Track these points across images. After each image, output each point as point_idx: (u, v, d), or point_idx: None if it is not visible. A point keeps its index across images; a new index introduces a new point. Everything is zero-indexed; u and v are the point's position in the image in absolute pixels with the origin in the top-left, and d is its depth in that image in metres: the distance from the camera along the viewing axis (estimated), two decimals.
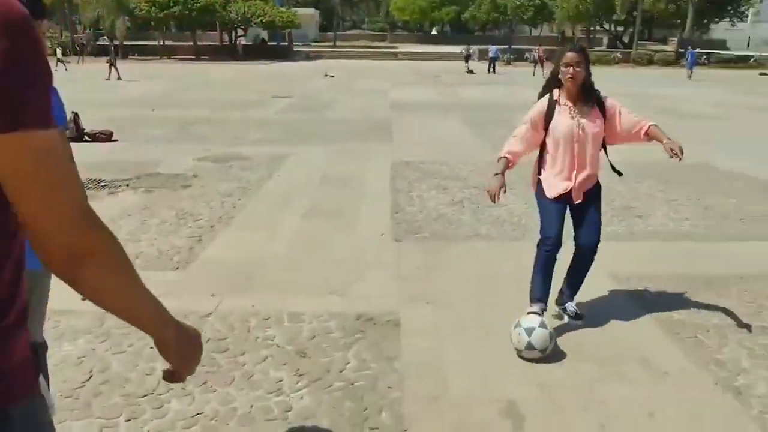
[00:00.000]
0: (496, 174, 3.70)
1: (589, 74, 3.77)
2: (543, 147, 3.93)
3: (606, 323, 4.10)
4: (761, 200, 7.42)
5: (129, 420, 3.01)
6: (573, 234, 3.97)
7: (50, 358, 3.55)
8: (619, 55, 45.75)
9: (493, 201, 3.65)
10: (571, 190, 3.85)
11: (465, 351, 3.73)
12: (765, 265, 5.29)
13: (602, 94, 3.93)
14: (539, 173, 3.98)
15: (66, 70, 30.21)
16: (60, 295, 4.33)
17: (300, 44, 55.07)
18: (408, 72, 33.40)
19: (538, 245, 3.95)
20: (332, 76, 28.54)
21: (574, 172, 3.84)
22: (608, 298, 4.52)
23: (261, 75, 30.18)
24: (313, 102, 17.99)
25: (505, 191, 3.69)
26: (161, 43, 46.36)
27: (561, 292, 4.13)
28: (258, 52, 45.43)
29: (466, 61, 35.94)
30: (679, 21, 49.76)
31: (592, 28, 54.87)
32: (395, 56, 49.18)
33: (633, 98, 20.43)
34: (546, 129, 3.84)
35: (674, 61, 44.11)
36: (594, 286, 4.66)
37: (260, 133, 12.07)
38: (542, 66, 30.68)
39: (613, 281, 4.83)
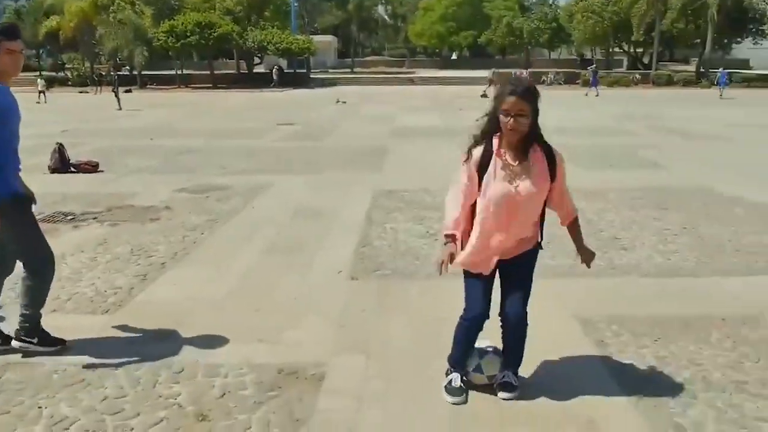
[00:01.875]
0: (447, 243, 3.18)
1: (535, 120, 3.08)
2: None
3: (559, 379, 3.62)
4: (760, 229, 6.87)
5: None
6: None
7: None
8: (638, 76, 45.05)
9: (440, 273, 3.11)
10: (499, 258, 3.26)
11: (388, 414, 3.29)
12: (753, 305, 4.75)
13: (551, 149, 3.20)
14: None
15: (45, 102, 29.66)
16: None
17: (318, 71, 55.32)
18: (422, 97, 33.13)
19: (461, 316, 3.40)
20: (344, 103, 28.35)
21: (504, 237, 3.21)
22: (564, 346, 4.03)
23: (274, 102, 30.13)
24: (316, 129, 17.72)
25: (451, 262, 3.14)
26: (179, 72, 46.84)
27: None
28: (286, 80, 45.47)
29: (490, 85, 35.84)
30: (699, 41, 48.94)
31: (610, 50, 54.29)
32: (412, 81, 49.05)
33: (642, 119, 19.95)
34: (480, 185, 3.17)
35: (695, 81, 43.30)
36: (551, 330, 4.20)
37: (249, 162, 11.78)
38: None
39: (576, 324, 4.36)
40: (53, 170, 10.73)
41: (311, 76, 49.77)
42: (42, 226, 4.07)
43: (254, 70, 49.89)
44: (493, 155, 3.14)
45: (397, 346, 4.05)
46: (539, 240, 3.37)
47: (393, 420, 3.23)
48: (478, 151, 3.18)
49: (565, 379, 3.61)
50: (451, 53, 76.13)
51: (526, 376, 3.59)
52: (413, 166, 11.26)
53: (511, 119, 3.01)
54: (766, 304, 4.77)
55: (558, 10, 54.30)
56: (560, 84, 38.16)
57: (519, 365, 3.51)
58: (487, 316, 3.34)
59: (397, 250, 6.16)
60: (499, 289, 3.38)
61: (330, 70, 59.71)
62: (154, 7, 46.93)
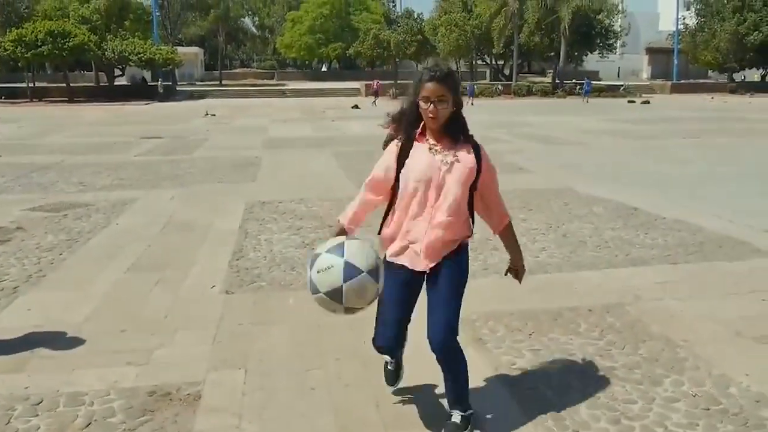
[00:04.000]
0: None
1: (457, 107, 2.85)
2: (392, 200, 2.99)
3: (433, 374, 3.63)
4: (618, 225, 7.35)
5: None
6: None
7: None
8: (500, 87, 47.26)
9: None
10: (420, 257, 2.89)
11: (269, 429, 3.16)
12: (616, 295, 5.05)
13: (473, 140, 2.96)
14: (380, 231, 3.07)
15: None
16: None
17: (185, 83, 53.57)
18: (294, 108, 32.91)
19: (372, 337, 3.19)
20: (213, 115, 27.58)
21: (427, 228, 2.85)
22: None
23: (138, 116, 28.75)
24: (184, 142, 17.10)
25: None
26: (31, 85, 43.65)
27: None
28: (150, 93, 43.59)
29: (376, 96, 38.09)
30: (553, 54, 52.20)
31: (474, 62, 56.60)
32: (283, 93, 48.66)
33: (507, 127, 20.95)
34: (398, 174, 2.90)
35: (551, 91, 46.06)
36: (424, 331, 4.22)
37: (112, 177, 11.11)
38: (376, 97, 37.21)
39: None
40: None
41: (177, 88, 48.11)
42: None
43: (115, 83, 47.47)
44: (414, 143, 2.89)
45: (276, 358, 3.92)
46: (466, 247, 3.03)
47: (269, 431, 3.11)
48: (397, 141, 2.93)
49: (439, 378, 3.63)
50: (321, 65, 76.35)
51: (407, 380, 3.56)
52: (287, 177, 11.12)
53: (432, 105, 2.76)
54: (627, 293, 5.09)
55: (423, 23, 55.85)
56: None
57: (463, 402, 3.04)
58: (401, 345, 3.18)
59: (273, 261, 6.01)
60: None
61: (197, 83, 58.02)
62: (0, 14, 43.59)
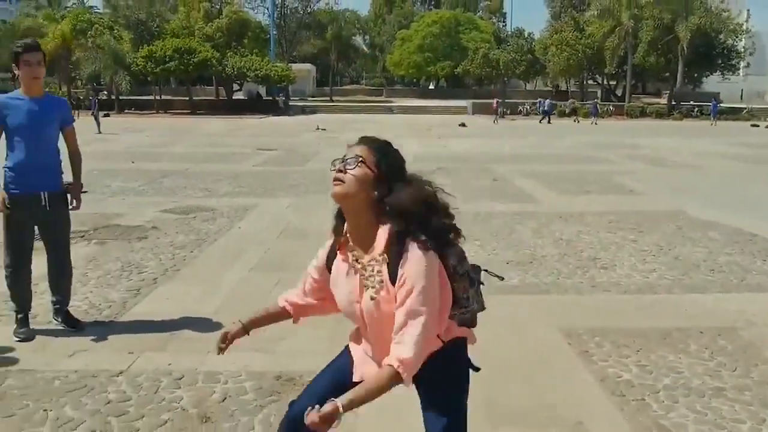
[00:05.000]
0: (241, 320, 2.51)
1: (389, 187, 2.02)
2: None
3: (545, 385, 3.79)
4: (734, 250, 7.15)
5: None
6: None
7: None
8: (611, 107, 46.08)
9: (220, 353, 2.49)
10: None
11: (381, 415, 3.42)
12: (729, 319, 4.99)
13: (411, 240, 1.97)
14: None
15: None
16: None
17: (297, 99, 55.66)
18: (400, 125, 33.52)
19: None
20: (324, 130, 28.58)
21: (374, 348, 2.21)
22: (553, 357, 4.22)
23: (253, 129, 30.25)
24: (296, 154, 17.90)
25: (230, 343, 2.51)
26: (158, 98, 46.81)
27: None
28: (264, 107, 45.81)
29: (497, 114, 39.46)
30: (669, 74, 50.31)
31: (584, 82, 55.50)
32: (390, 110, 49.58)
33: (618, 148, 20.48)
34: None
35: (667, 113, 44.42)
36: (538, 342, 4.39)
37: (232, 185, 11.88)
38: (497, 116, 38.97)
39: (562, 336, 4.53)
40: None
41: (290, 104, 50.09)
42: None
43: (233, 97, 50.06)
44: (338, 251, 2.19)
45: None
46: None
47: (381, 422, 3.36)
48: (330, 242, 2.28)
49: (552, 385, 3.78)
50: (428, 83, 77.12)
51: (514, 382, 3.74)
52: None
53: (338, 166, 2.05)
54: (741, 318, 5.00)
55: (533, 43, 55.42)
56: (545, 113, 39.10)
57: None
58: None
59: None
60: None
61: (309, 98, 60.13)
62: (133, 32, 47.08)
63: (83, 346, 4.32)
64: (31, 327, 4.52)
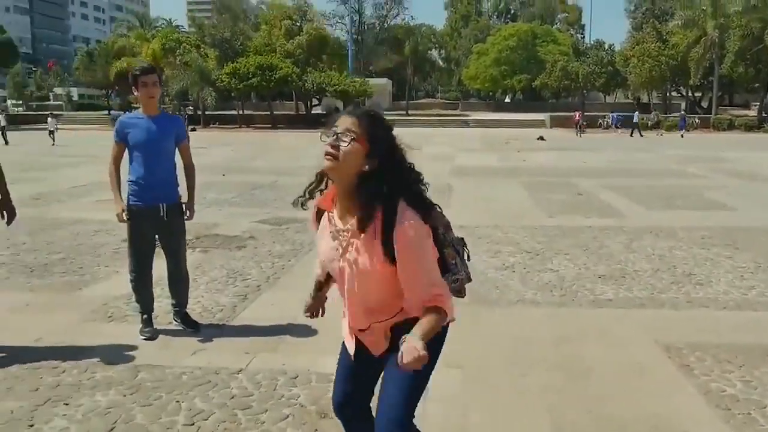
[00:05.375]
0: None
1: (389, 162, 2.16)
2: None
3: (647, 396, 3.85)
4: None
5: None
6: None
7: (80, 408, 3.63)
8: (697, 120, 44.61)
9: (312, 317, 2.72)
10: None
11: (489, 417, 3.57)
12: None
13: (407, 206, 2.15)
14: None
15: (54, 143, 28.89)
16: (96, 348, 4.48)
17: None
18: (477, 138, 33.58)
19: None
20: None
21: (353, 310, 2.38)
22: (653, 369, 4.26)
23: None
24: None
25: (323, 314, 2.75)
26: (240, 113, 48.54)
27: None
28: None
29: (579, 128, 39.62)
30: (758, 85, 48.25)
31: (668, 94, 53.95)
32: (466, 124, 49.66)
33: (707, 162, 19.90)
34: None
35: (757, 126, 42.65)
36: (637, 354, 4.44)
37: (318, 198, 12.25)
38: (579, 129, 39.36)
39: (662, 351, 4.56)
40: None
41: None
42: None
43: (312, 111, 51.32)
44: (325, 212, 2.36)
45: (489, 363, 4.33)
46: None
47: (494, 422, 3.51)
48: (315, 203, 2.42)
49: (654, 396, 3.84)
50: (504, 96, 76.69)
51: (616, 392, 3.82)
52: (479, 203, 11.58)
53: (330, 141, 2.13)
54: None
55: (613, 54, 54.34)
56: (637, 127, 38.17)
57: None
58: (354, 409, 2.58)
59: (476, 280, 6.44)
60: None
61: (385, 113, 60.79)
62: (218, 49, 49.07)
63: (202, 345, 4.67)
64: (154, 327, 4.91)
